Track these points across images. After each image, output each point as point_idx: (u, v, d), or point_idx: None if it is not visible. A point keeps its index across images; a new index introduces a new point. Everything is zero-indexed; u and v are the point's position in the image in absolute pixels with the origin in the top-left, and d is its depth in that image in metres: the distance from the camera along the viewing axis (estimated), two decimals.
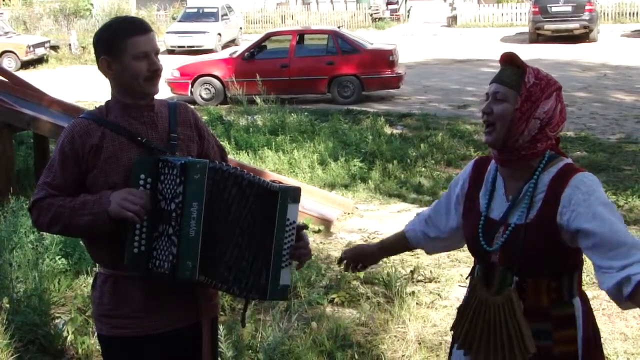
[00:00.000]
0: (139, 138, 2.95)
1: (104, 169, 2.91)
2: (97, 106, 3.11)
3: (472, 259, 2.99)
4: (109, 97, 3.04)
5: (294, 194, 2.97)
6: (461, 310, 2.92)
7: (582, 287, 2.86)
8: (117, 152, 2.92)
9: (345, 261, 3.41)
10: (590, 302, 2.86)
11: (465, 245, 3.01)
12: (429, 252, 3.35)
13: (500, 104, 2.74)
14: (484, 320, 2.78)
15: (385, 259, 6.74)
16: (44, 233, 6.11)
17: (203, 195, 2.82)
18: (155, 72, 2.96)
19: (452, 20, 35.97)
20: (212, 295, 3.16)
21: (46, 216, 2.92)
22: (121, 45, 2.91)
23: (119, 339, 3.01)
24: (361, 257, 3.40)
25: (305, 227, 3.11)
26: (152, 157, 2.91)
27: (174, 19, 34.69)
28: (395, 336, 5.46)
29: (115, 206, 2.80)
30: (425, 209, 3.29)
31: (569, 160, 2.78)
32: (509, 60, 2.78)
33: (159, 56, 3.02)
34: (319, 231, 8.11)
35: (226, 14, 31.56)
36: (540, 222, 2.68)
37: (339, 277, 6.47)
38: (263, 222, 2.93)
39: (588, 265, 6.07)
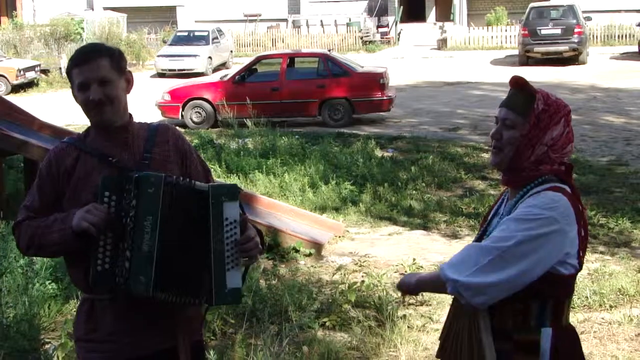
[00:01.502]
0: (110, 158, 2.97)
1: (76, 189, 2.95)
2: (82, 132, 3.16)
3: None
4: None
5: (229, 191, 2.90)
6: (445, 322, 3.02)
7: (568, 319, 2.83)
8: (88, 173, 2.96)
9: None
10: (581, 325, 2.85)
11: None
12: None
13: (509, 130, 2.77)
14: (455, 331, 2.84)
15: (376, 282, 6.78)
16: (34, 257, 6.09)
17: (158, 209, 2.80)
18: (91, 102, 2.95)
19: (442, 43, 36.12)
20: (193, 318, 3.11)
21: (24, 239, 2.98)
22: (70, 77, 3.01)
23: None
24: None
25: (247, 220, 2.97)
26: (119, 176, 2.91)
27: (164, 42, 34.73)
28: None
29: (76, 220, 2.81)
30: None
31: (560, 185, 2.75)
32: (519, 86, 2.79)
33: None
34: (309, 254, 8.09)
35: (217, 37, 31.63)
36: None
37: (330, 300, 6.45)
38: (198, 224, 2.88)
39: (579, 288, 6.12)
